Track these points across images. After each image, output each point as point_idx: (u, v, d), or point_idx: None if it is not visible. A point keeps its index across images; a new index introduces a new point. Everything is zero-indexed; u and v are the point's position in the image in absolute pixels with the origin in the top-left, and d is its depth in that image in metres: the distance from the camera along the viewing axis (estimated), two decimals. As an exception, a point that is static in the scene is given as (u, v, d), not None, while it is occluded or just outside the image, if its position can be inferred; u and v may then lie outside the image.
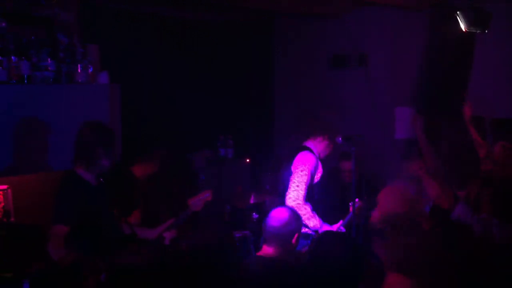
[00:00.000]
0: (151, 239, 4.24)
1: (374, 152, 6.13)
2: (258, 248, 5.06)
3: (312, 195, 4.56)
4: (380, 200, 3.80)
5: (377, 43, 6.43)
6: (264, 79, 7.58)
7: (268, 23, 7.54)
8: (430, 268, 2.87)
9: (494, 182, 3.91)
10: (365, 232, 4.59)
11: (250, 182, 6.61)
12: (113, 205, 4.00)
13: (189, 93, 6.64)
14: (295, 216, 3.61)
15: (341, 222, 4.74)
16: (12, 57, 4.32)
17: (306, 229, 4.43)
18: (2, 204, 4.43)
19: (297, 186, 4.45)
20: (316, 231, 4.46)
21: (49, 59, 4.50)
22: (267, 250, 3.51)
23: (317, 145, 4.66)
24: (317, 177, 4.65)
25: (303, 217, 4.41)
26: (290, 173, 4.55)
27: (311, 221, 4.43)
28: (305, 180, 4.46)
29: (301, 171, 4.48)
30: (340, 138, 4.61)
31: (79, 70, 4.65)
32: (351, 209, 4.69)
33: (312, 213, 4.45)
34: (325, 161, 4.85)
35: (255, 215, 5.39)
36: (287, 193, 4.49)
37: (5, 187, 4.46)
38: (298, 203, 4.41)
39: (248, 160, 6.66)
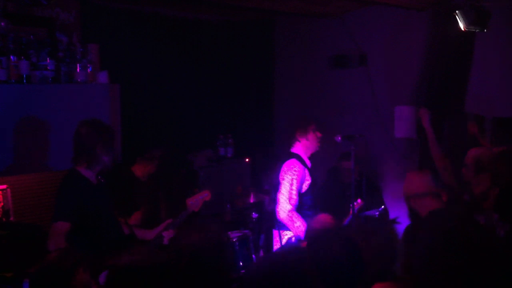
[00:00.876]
0: (149, 239, 4.24)
1: (374, 151, 6.13)
2: (258, 247, 5.08)
3: (301, 204, 4.56)
4: (405, 182, 3.88)
5: (377, 42, 6.42)
6: (264, 78, 7.58)
7: (269, 23, 7.53)
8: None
9: (502, 183, 3.93)
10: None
11: (249, 182, 6.61)
12: (113, 205, 4.00)
13: (189, 92, 6.64)
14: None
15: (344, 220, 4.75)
16: (12, 57, 4.33)
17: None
18: (2, 203, 4.44)
19: (287, 198, 4.49)
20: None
21: (48, 58, 4.51)
22: None
23: (301, 147, 4.65)
24: (306, 185, 4.64)
25: (295, 228, 4.43)
26: (278, 183, 4.57)
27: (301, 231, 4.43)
28: (293, 191, 4.48)
29: (288, 182, 4.51)
30: (339, 138, 4.62)
31: (78, 70, 4.66)
32: (351, 211, 4.70)
33: (304, 223, 4.44)
34: (324, 161, 4.85)
35: (254, 215, 5.39)
36: (276, 206, 4.51)
37: (4, 186, 4.47)
38: (289, 215, 4.43)
39: (247, 160, 6.66)
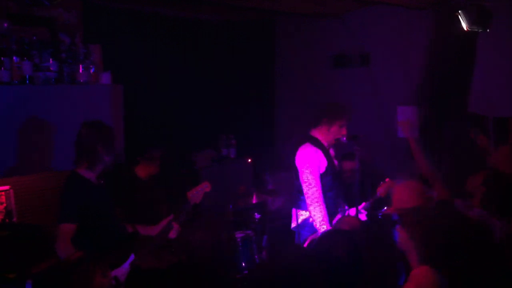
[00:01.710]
0: (153, 235, 4.25)
1: (377, 151, 6.12)
2: (261, 247, 5.07)
3: (322, 185, 4.56)
4: (395, 194, 3.87)
5: (379, 42, 6.42)
6: (265, 78, 7.58)
7: (269, 23, 7.53)
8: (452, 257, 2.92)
9: (492, 180, 3.94)
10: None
11: (252, 182, 6.61)
12: (116, 204, 4.02)
13: (191, 93, 6.65)
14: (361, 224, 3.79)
15: (363, 204, 4.75)
16: (14, 58, 4.33)
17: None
18: (4, 204, 4.44)
19: (310, 184, 4.47)
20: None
21: (51, 59, 4.51)
22: None
23: (324, 133, 4.63)
24: (323, 167, 4.63)
25: (316, 220, 4.43)
26: (297, 170, 4.56)
27: (322, 226, 4.43)
28: (314, 177, 4.47)
29: (307, 168, 4.49)
30: (344, 138, 4.62)
31: (81, 70, 4.66)
32: (379, 189, 4.73)
33: (325, 217, 4.45)
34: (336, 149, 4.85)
35: (257, 215, 5.38)
36: (304, 192, 4.51)
37: (7, 187, 4.48)
38: (317, 205, 4.43)
39: (250, 160, 6.66)
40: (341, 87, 6.83)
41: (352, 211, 4.71)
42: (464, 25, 4.89)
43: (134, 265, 3.63)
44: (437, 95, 5.83)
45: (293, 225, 4.72)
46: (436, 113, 5.85)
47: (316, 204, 4.44)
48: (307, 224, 4.61)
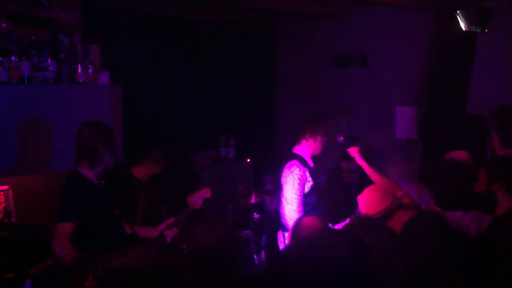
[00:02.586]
0: (152, 238, 4.25)
1: (376, 151, 6.12)
2: (260, 248, 5.07)
3: (305, 205, 4.51)
4: (360, 203, 3.83)
5: (379, 42, 6.42)
6: (265, 78, 7.58)
7: (269, 23, 7.54)
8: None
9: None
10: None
11: (251, 182, 6.61)
12: (115, 205, 4.01)
13: (191, 93, 6.65)
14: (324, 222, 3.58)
15: (347, 220, 4.71)
16: (13, 58, 4.33)
17: None
18: (3, 204, 4.44)
19: (294, 207, 4.37)
20: None
21: (49, 59, 4.50)
22: None
23: (305, 148, 4.55)
24: (308, 186, 4.52)
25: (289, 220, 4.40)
26: (280, 185, 4.49)
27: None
28: (298, 197, 4.39)
29: (292, 188, 4.39)
30: (342, 138, 4.60)
31: (79, 71, 4.65)
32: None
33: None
34: (325, 161, 4.81)
35: (256, 215, 5.38)
36: (282, 210, 4.43)
37: (6, 187, 4.47)
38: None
39: (249, 160, 6.66)
40: (340, 87, 6.84)
41: (339, 226, 4.68)
42: (462, 25, 4.89)
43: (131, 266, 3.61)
44: (437, 95, 5.83)
45: (281, 247, 4.59)
46: (436, 113, 5.85)
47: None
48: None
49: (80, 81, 4.66)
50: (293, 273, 2.79)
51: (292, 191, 4.40)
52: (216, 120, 6.86)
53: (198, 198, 4.42)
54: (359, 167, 4.60)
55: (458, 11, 4.83)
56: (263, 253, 4.95)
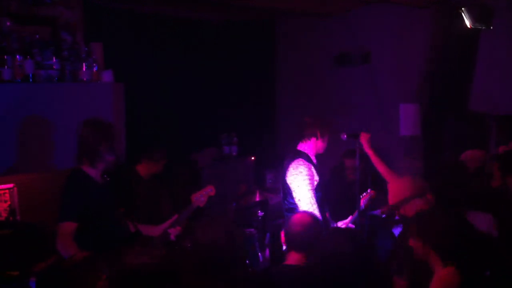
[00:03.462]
0: (155, 236, 4.25)
1: (379, 149, 6.11)
2: (263, 245, 5.07)
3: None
4: (390, 192, 3.83)
5: (381, 40, 6.42)
6: (266, 77, 7.59)
7: (270, 22, 7.55)
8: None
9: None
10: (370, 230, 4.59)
11: (254, 180, 6.61)
12: (118, 203, 4.01)
13: (193, 91, 6.65)
14: (315, 218, 3.58)
15: (350, 218, 4.71)
16: (17, 56, 4.32)
17: None
18: (8, 202, 4.44)
19: (307, 204, 4.28)
20: None
21: (53, 57, 4.50)
22: (295, 256, 3.39)
23: (312, 145, 4.52)
24: (314, 184, 4.49)
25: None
26: (285, 183, 4.42)
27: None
28: (310, 191, 4.33)
29: (304, 185, 4.32)
30: (344, 135, 4.58)
31: (83, 69, 4.65)
32: (362, 200, 4.65)
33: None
34: (328, 158, 4.80)
35: (260, 213, 5.39)
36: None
37: (10, 185, 4.47)
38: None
39: (252, 158, 6.66)
40: (342, 86, 6.84)
41: (344, 224, 4.68)
42: (467, 23, 4.89)
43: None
44: (438, 93, 5.83)
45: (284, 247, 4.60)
46: (437, 111, 5.86)
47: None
48: None
49: (84, 79, 4.66)
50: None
51: (305, 189, 4.32)
52: (218, 119, 6.86)
53: (202, 195, 4.42)
54: (362, 164, 4.61)
55: (463, 8, 4.84)
56: (267, 251, 4.95)
